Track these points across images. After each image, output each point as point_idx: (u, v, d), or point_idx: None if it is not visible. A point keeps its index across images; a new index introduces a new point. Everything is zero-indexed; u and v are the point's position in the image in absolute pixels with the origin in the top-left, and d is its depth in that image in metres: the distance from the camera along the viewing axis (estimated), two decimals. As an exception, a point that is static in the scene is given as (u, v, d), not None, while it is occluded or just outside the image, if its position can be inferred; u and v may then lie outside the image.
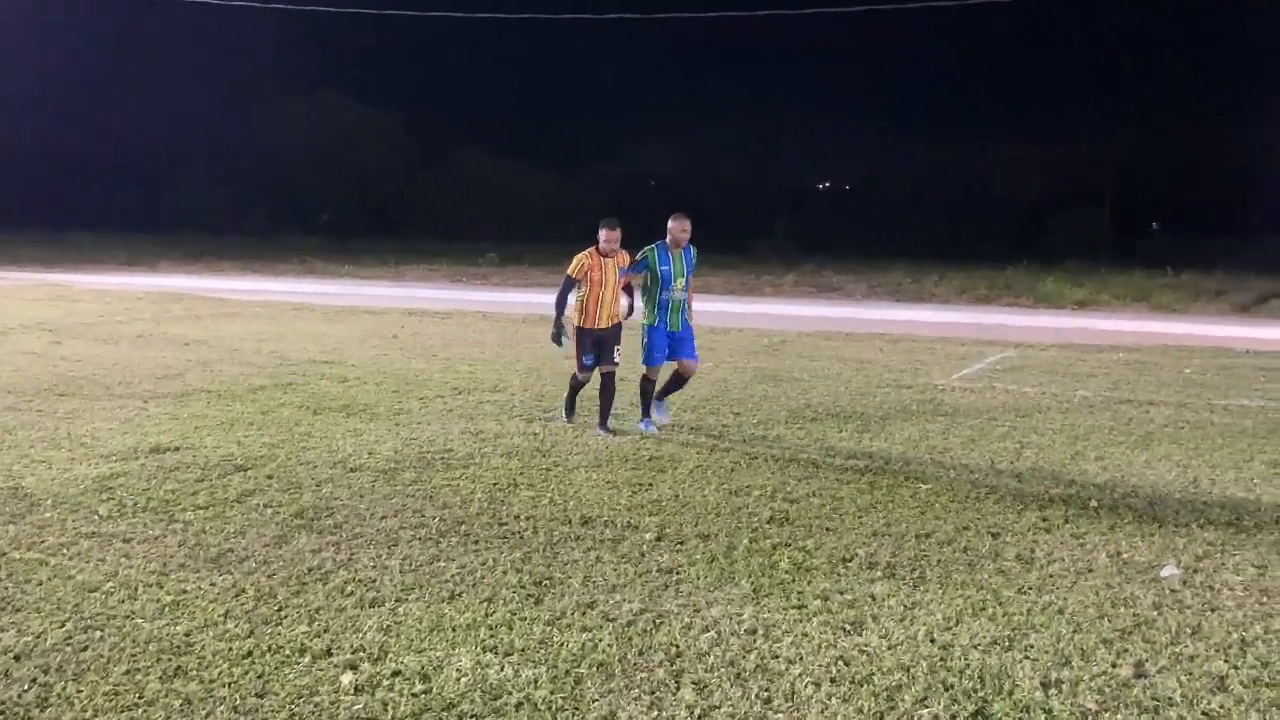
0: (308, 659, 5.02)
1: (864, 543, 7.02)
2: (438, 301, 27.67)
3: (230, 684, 4.74)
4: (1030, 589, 6.20)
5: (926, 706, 4.65)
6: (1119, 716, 4.58)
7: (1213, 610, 5.89)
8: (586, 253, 10.35)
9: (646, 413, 10.85)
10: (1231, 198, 59.14)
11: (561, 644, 5.26)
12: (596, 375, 10.80)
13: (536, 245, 51.45)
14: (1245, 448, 10.36)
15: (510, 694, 4.70)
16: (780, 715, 4.55)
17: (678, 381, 11.08)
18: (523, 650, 5.18)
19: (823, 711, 4.59)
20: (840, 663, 5.11)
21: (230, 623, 5.44)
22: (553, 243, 52.66)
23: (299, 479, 8.34)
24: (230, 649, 5.11)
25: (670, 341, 10.70)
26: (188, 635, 5.27)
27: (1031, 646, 5.34)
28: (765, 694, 4.75)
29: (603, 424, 10.58)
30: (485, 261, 45.60)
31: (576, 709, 4.57)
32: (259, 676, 4.82)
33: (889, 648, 5.30)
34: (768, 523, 7.45)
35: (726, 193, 67.19)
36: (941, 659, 5.17)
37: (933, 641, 5.39)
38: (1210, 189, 60.07)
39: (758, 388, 13.65)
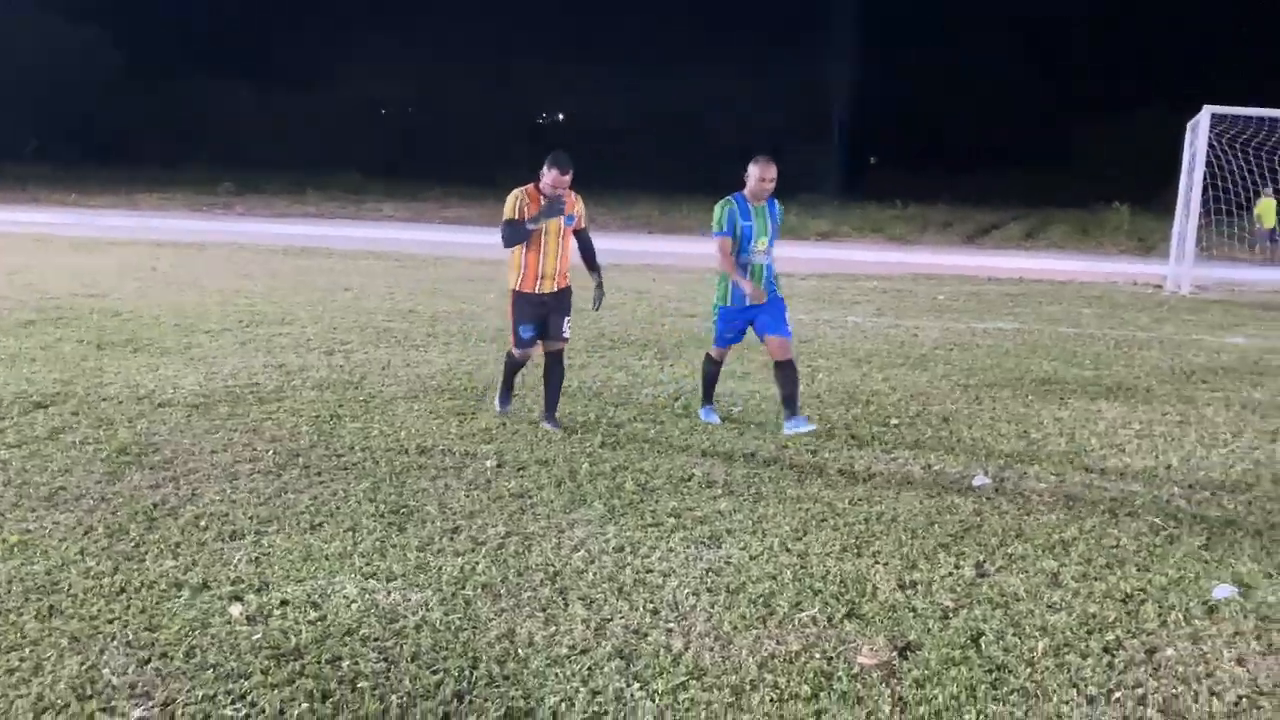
0: (187, 593, 4.91)
1: (696, 463, 7.29)
2: (185, 232, 26.52)
3: (114, 620, 4.60)
4: (860, 500, 6.61)
5: (803, 610, 4.95)
6: (976, 611, 5.00)
7: (1029, 514, 6.44)
8: (523, 191, 7.88)
9: (708, 398, 8.76)
10: (949, 133, 62.69)
11: (439, 568, 5.31)
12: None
13: (274, 172, 49.86)
14: (1013, 367, 11.22)
15: (406, 617, 4.73)
16: (670, 624, 4.76)
17: (785, 380, 8.33)
18: (403, 576, 5.21)
19: (708, 620, 4.82)
20: (711, 574, 5.35)
21: (90, 560, 5.25)
22: (290, 169, 51.13)
23: (108, 415, 8.00)
24: (100, 585, 4.95)
25: (753, 315, 8.31)
26: (49, 574, 5.06)
27: (879, 553, 5.73)
28: (651, 605, 4.95)
29: (549, 415, 8.31)
30: (223, 190, 43.86)
31: (475, 628, 4.65)
32: (142, 611, 4.69)
33: (751, 559, 5.58)
34: (600, 448, 7.63)
35: (462, 123, 66.54)
36: (802, 567, 5.48)
37: (788, 551, 5.70)
38: (928, 124, 63.42)
39: (549, 318, 13.77)
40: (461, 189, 46.78)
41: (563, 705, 4.03)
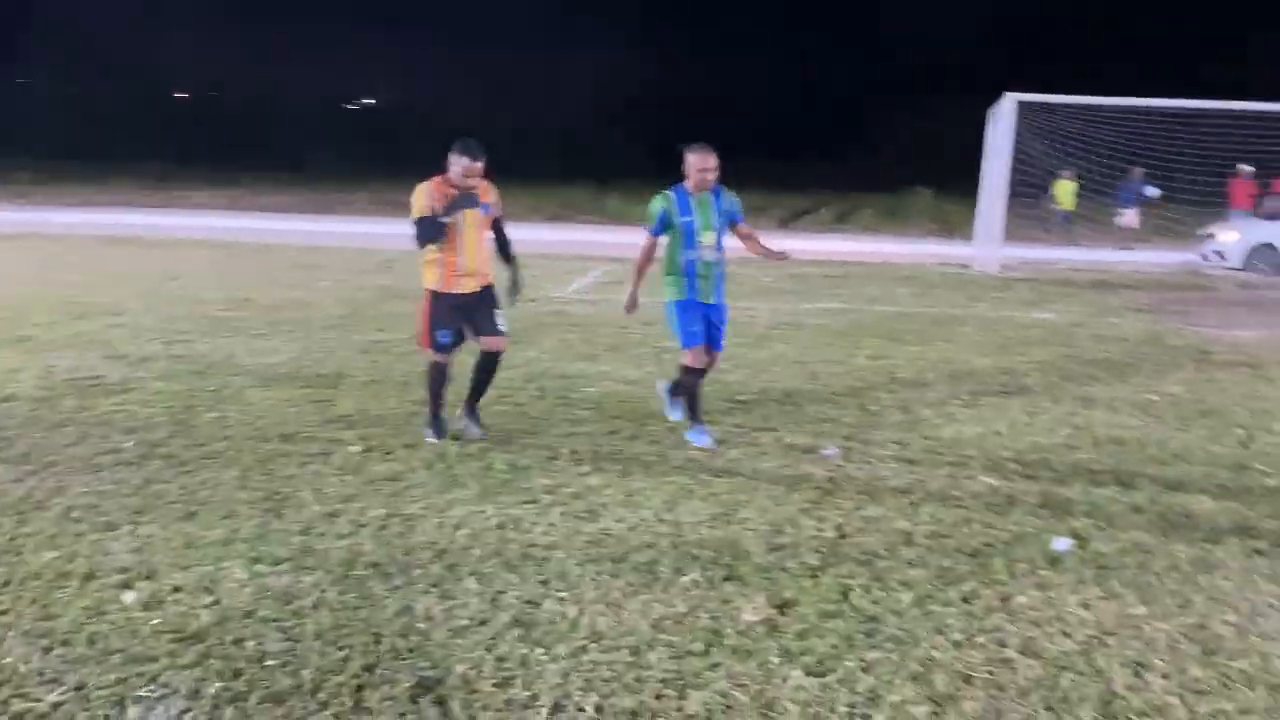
0: (75, 582, 4.89)
1: (561, 442, 7.49)
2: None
3: (6, 611, 4.56)
4: (722, 473, 6.91)
5: (684, 575, 5.21)
6: (844, 568, 5.35)
7: (877, 480, 6.85)
8: (430, 185, 7.20)
9: (695, 415, 7.78)
10: (759, 120, 64.09)
11: (325, 551, 5.39)
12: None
13: (74, 161, 47.94)
14: (844, 345, 11.74)
15: (302, 598, 4.81)
16: (562, 594, 4.95)
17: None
18: (290, 559, 5.27)
19: (597, 588, 5.04)
20: (593, 545, 5.57)
21: (-36, 555, 5.15)
22: (91, 158, 49.16)
23: (-52, 411, 7.75)
24: (-19, 580, 4.88)
25: (709, 315, 7.73)
26: (-77, 571, 4.96)
27: (747, 519, 6.04)
28: (540, 577, 5.14)
29: (470, 410, 7.66)
30: (16, 180, 41.87)
31: (373, 606, 4.76)
32: (33, 602, 4.66)
33: (630, 529, 5.81)
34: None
35: (270, 108, 64.92)
36: (678, 535, 5.75)
37: (663, 521, 5.96)
38: (737, 112, 64.60)
39: (390, 305, 13.76)
40: (274, 175, 45.76)
41: (471, 672, 4.19)
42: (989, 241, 21.16)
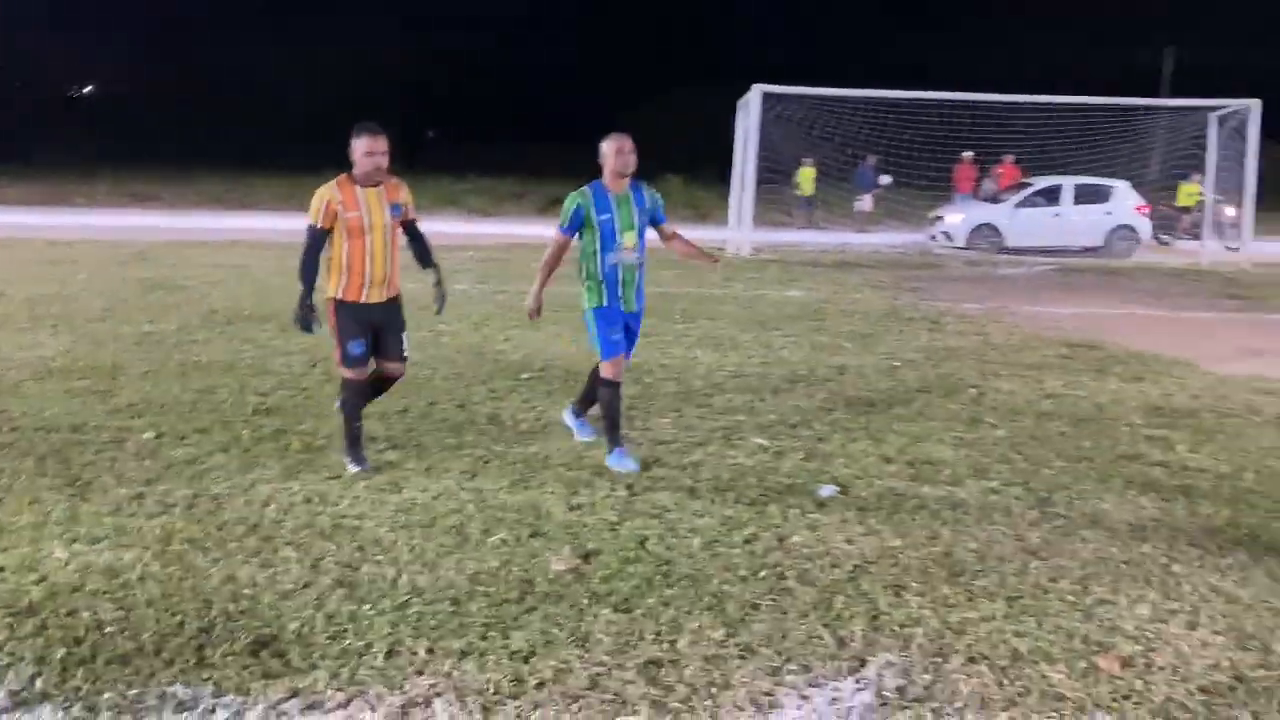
0: (-118, 569, 4.91)
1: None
2: None
3: None
4: (514, 443, 7.33)
5: (492, 535, 5.60)
6: (638, 522, 5.84)
7: (659, 444, 7.39)
8: (331, 185, 6.38)
9: (615, 437, 6.95)
10: (513, 108, 64.34)
11: (139, 529, 5.53)
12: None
13: None
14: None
15: (127, 572, 4.98)
16: (380, 558, 5.27)
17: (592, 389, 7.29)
18: (107, 538, 5.39)
19: (412, 550, 5.37)
20: (402, 514, 5.89)
21: None
22: None
23: None
24: None
25: (629, 321, 7.10)
26: None
27: (544, 484, 6.46)
28: (355, 544, 5.43)
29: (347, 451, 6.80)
30: None
31: (197, 577, 4.97)
32: None
33: (434, 498, 6.16)
34: (253, 414, 7.91)
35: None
36: (482, 500, 6.13)
37: (465, 489, 6.32)
38: (488, 99, 64.69)
39: (155, 296, 13.56)
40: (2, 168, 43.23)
41: (304, 629, 4.48)
42: (741, 226, 22.18)
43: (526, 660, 4.25)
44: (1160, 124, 26.49)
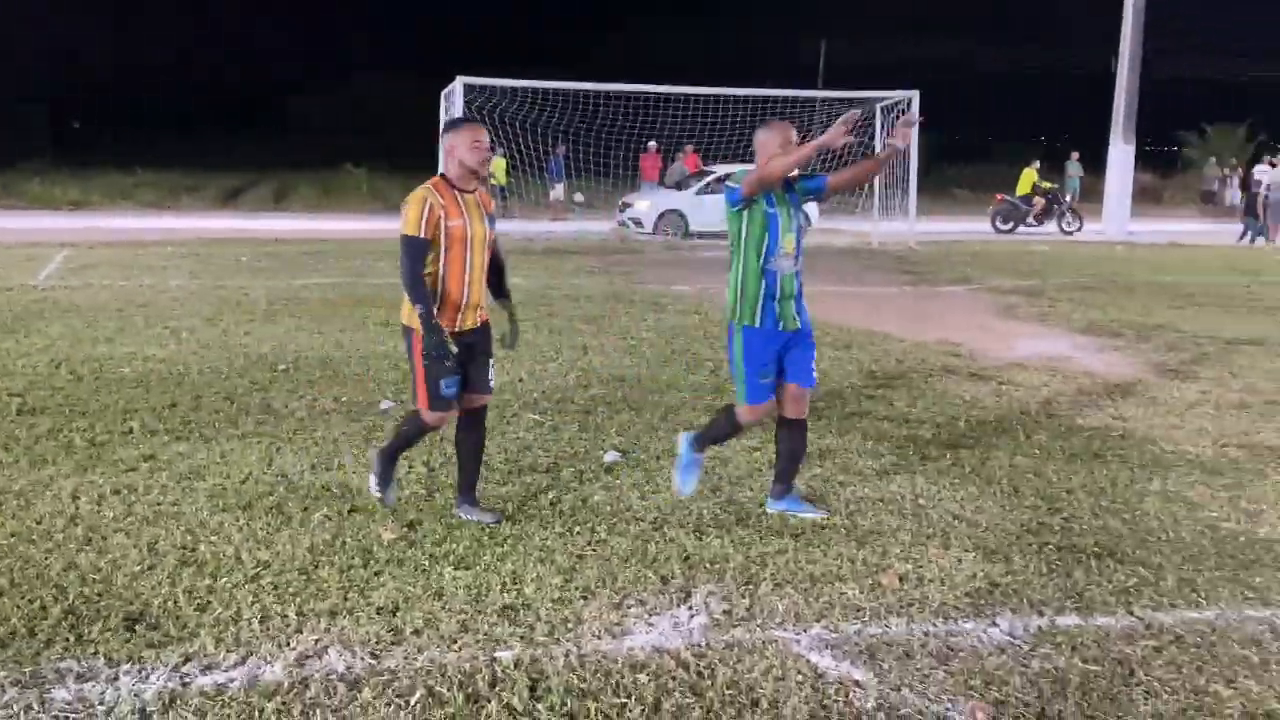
0: None
1: (130, 415, 7.76)
2: None
3: None
4: (300, 431, 7.56)
5: (314, 513, 5.91)
6: (445, 494, 6.27)
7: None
8: (429, 188, 5.46)
9: (691, 451, 6.23)
10: (181, 97, 61.71)
11: (-45, 529, 5.53)
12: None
13: None
14: (354, 313, 12.51)
15: (-37, 569, 5.03)
16: (214, 538, 5.50)
17: (788, 441, 6.09)
18: (-76, 539, 5.38)
19: (241, 530, 5.62)
20: (216, 499, 6.09)
21: None
22: None
23: None
24: None
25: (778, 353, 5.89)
26: None
27: (343, 465, 6.79)
28: (184, 529, 5.63)
29: (468, 498, 5.97)
30: None
31: (37, 566, 5.07)
32: None
33: (241, 483, 6.37)
34: (19, 415, 7.79)
35: None
36: (289, 482, 6.40)
37: (267, 473, 6.57)
38: (149, 87, 61.72)
39: None
40: None
41: (169, 604, 4.71)
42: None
43: (394, 614, 4.66)
44: (828, 114, 28.61)
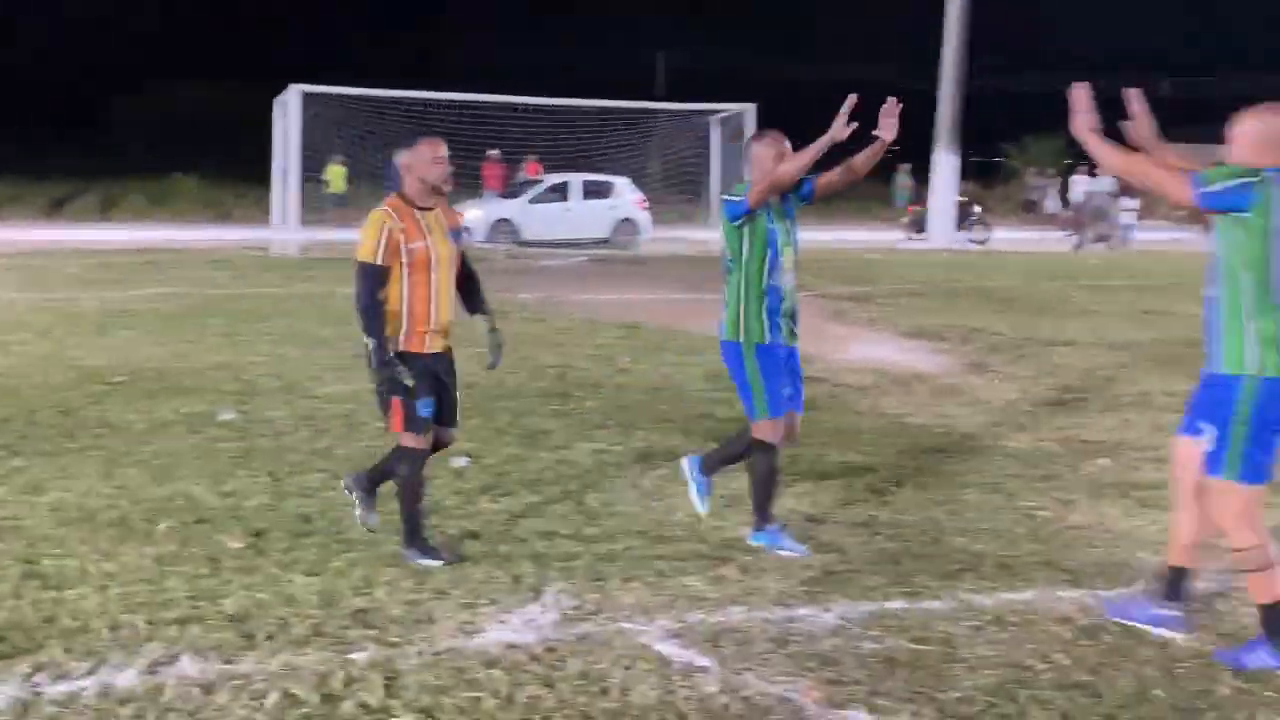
0: None
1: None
2: None
3: None
4: (137, 443, 7.47)
5: (159, 525, 5.87)
6: (292, 501, 6.30)
7: (280, 436, 7.80)
8: (386, 210, 5.30)
9: (765, 513, 5.79)
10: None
11: None
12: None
13: None
14: (192, 324, 12.31)
15: None
16: (57, 551, 5.40)
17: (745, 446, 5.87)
18: None
19: (84, 543, 5.53)
20: (57, 512, 5.99)
21: None
22: None
23: None
24: None
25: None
26: None
27: (185, 476, 6.74)
28: (25, 542, 5.53)
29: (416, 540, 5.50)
30: None
31: None
32: None
33: (81, 497, 6.28)
34: None
35: None
36: (131, 495, 6.33)
37: (108, 487, 6.49)
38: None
39: None
40: None
41: (14, 616, 4.65)
42: (286, 225, 22.22)
43: (245, 620, 4.69)
44: (667, 125, 29.12)
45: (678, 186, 29.48)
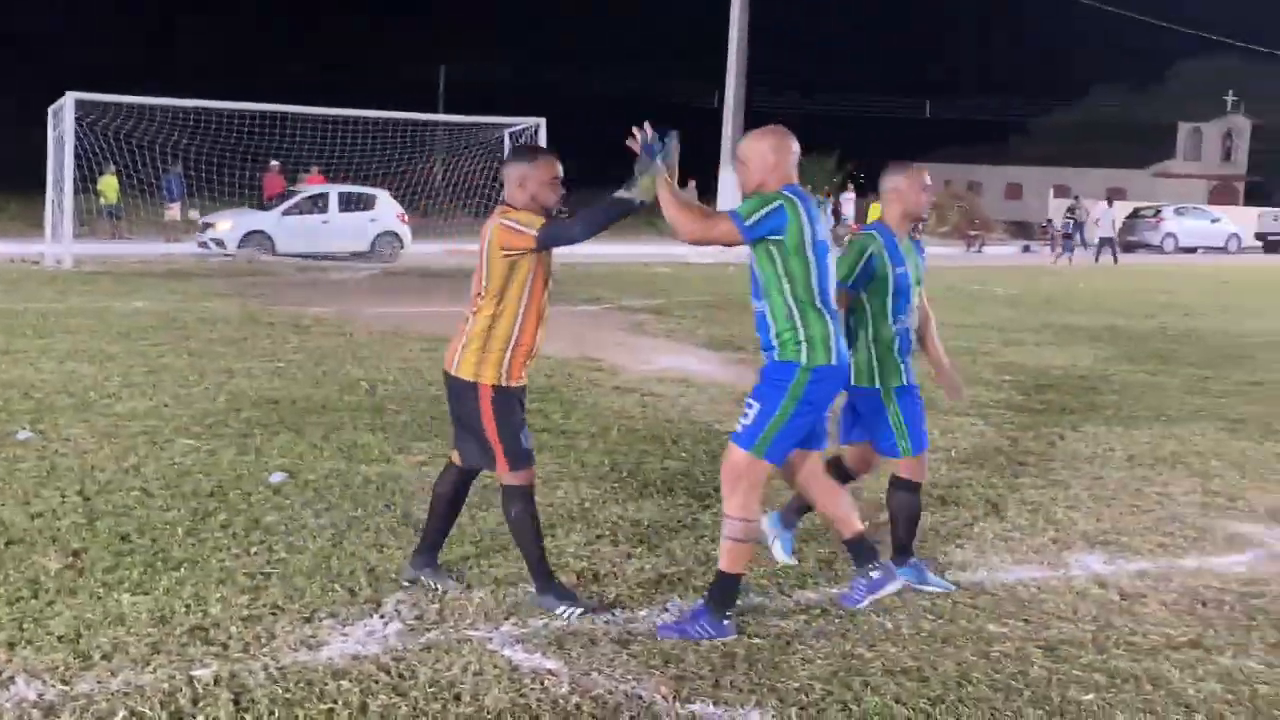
0: None
1: None
2: None
3: None
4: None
5: None
6: (108, 519, 6.11)
7: (88, 452, 7.52)
8: (517, 219, 4.89)
9: (907, 549, 5.58)
10: None
11: None
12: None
13: None
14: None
15: None
16: None
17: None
18: None
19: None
20: None
21: None
22: None
23: None
24: None
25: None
26: None
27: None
28: None
29: (429, 558, 5.36)
30: None
31: None
32: None
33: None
34: None
35: None
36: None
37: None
38: None
39: None
40: None
41: None
42: (61, 238, 21.23)
43: (77, 641, 4.56)
44: (456, 138, 29.02)
45: (469, 200, 29.35)
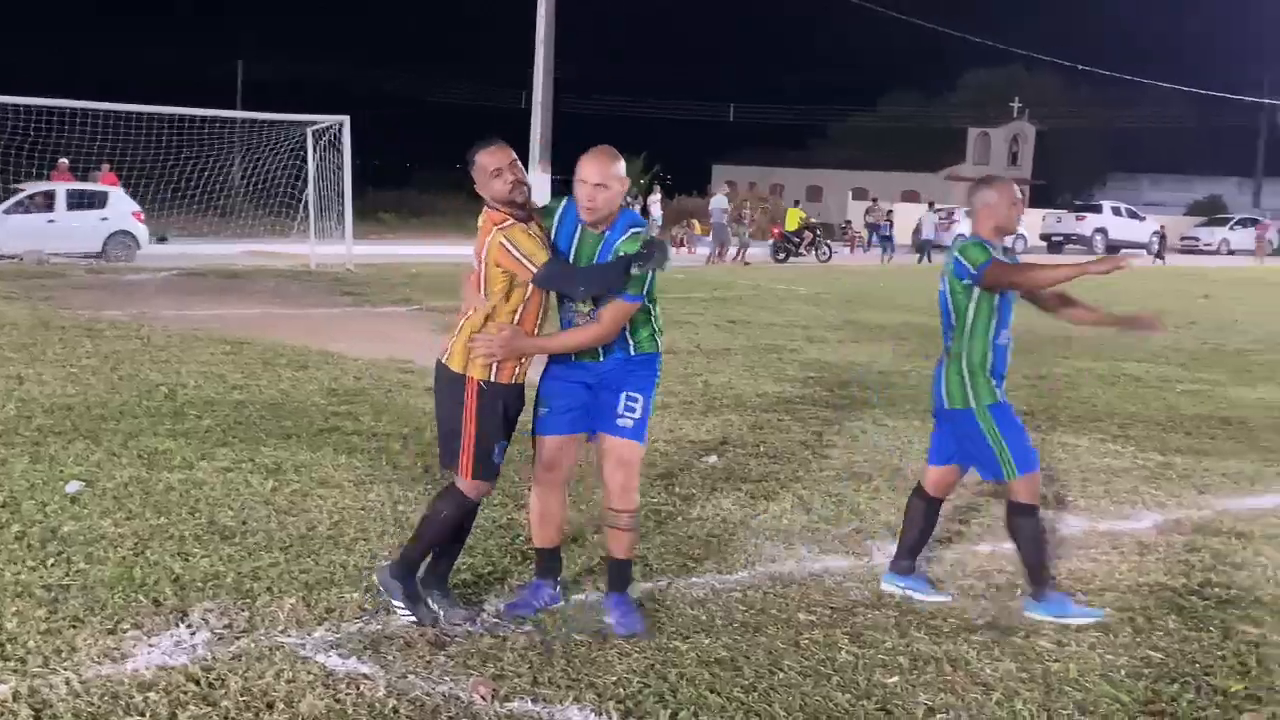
0: None
1: None
2: None
3: None
4: None
5: None
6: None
7: None
8: (517, 245, 4.74)
9: (1038, 578, 5.32)
10: None
11: None
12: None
13: None
14: None
15: None
16: None
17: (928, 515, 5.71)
18: None
19: None
20: None
21: None
22: None
23: None
24: None
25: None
26: None
27: None
28: None
29: (442, 585, 5.15)
30: None
31: None
32: None
33: None
34: None
35: None
36: None
37: None
38: None
39: None
40: None
41: None
42: None
43: None
44: (256, 135, 28.25)
45: (268, 199, 28.58)
